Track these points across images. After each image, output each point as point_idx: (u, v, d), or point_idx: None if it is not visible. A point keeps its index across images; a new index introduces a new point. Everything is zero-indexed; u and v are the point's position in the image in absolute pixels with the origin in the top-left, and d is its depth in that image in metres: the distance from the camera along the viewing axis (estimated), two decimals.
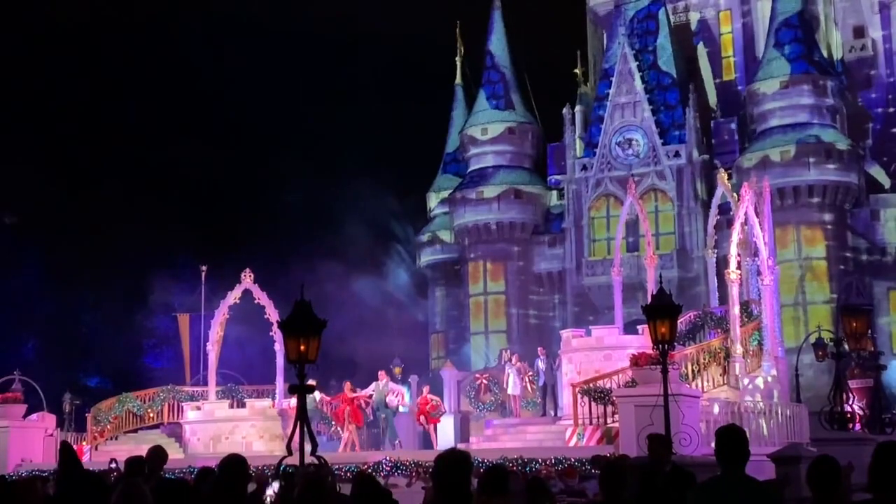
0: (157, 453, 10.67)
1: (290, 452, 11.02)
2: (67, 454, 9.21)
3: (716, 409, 22.43)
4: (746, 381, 26.69)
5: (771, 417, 24.26)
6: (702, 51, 47.82)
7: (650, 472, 7.96)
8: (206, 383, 32.13)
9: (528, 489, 7.38)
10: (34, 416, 28.83)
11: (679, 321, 23.45)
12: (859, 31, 46.71)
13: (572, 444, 23.09)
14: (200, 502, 7.72)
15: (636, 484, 7.64)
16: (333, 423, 28.49)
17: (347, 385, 28.54)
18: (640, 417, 19.03)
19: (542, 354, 31.02)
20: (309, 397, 27.33)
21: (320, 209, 56.20)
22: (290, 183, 58.11)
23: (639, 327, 28.24)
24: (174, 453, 27.30)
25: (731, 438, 6.89)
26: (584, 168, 44.72)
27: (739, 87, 46.41)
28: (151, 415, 31.30)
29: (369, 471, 19.46)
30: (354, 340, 43.22)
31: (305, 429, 10.75)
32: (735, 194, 30.96)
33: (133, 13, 65.49)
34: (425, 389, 30.13)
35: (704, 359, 26.34)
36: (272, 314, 28.85)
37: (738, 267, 28.27)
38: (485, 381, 34.01)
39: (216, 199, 57.96)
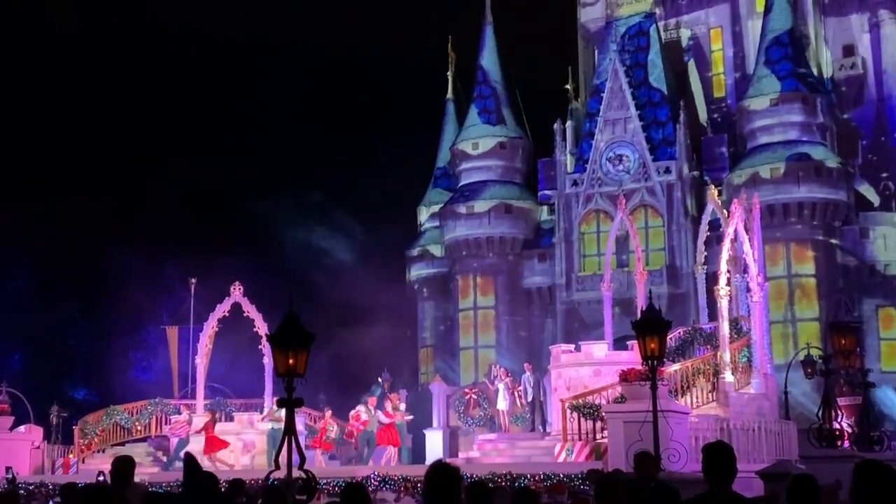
0: (125, 464, 10.61)
1: (277, 466, 10.98)
2: (192, 468, 9.08)
3: (704, 426, 22.42)
4: (735, 397, 26.69)
5: (759, 434, 24.25)
6: (692, 67, 47.94)
7: (636, 487, 7.95)
8: (194, 396, 32.03)
9: (515, 501, 7.35)
10: (21, 428, 28.74)
11: (668, 337, 23.46)
12: (849, 50, 46.90)
13: (561, 459, 23.08)
14: None
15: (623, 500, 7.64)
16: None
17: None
18: (629, 433, 19.04)
19: (529, 370, 30.99)
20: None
21: (311, 222, 56.13)
22: (281, 196, 58.08)
23: (628, 343, 28.26)
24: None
25: (719, 454, 6.87)
26: (575, 183, 44.76)
27: (730, 104, 46.55)
28: (139, 428, 31.17)
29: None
30: (343, 355, 43.12)
31: (294, 443, 10.70)
32: (725, 211, 31.04)
33: (128, 25, 65.51)
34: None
35: (693, 375, 26.37)
36: (261, 327, 28.79)
37: (728, 283, 28.31)
38: (474, 396, 33.95)
39: (206, 212, 57.86)
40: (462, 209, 47.07)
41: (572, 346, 30.07)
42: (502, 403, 30.71)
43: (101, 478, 18.93)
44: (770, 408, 28.40)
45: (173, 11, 63.69)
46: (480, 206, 46.74)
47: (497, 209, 46.72)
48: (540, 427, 29.77)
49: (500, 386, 30.85)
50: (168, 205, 57.03)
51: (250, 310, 29.41)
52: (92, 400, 48.50)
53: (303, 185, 56.51)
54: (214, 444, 27.23)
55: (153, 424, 31.34)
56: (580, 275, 43.95)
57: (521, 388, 31.33)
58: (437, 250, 49.82)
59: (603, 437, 22.22)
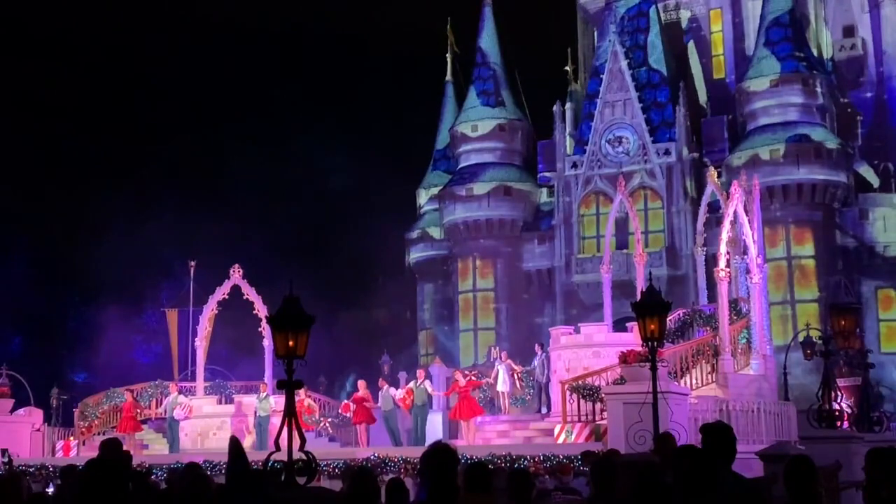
0: (115, 447, 10.63)
1: (277, 448, 11.00)
2: (236, 449, 9.04)
3: (704, 407, 22.45)
4: (734, 378, 26.72)
5: (759, 415, 24.29)
6: (692, 49, 47.83)
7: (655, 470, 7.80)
8: (194, 379, 32.05)
9: (510, 482, 7.36)
10: (21, 410, 28.72)
11: (668, 319, 23.45)
12: (849, 31, 46.80)
13: (560, 440, 23.12)
14: (187, 499, 7.69)
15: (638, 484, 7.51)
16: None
17: (459, 373, 27.97)
18: (629, 415, 19.07)
19: (539, 352, 30.96)
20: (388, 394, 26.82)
21: (310, 205, 56.13)
22: (280, 179, 58.06)
23: (628, 325, 28.28)
24: (162, 449, 27.33)
25: (718, 435, 6.86)
26: (574, 165, 44.72)
27: (729, 86, 46.46)
28: (139, 410, 31.16)
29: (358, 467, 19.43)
30: (343, 337, 43.17)
31: (294, 425, 10.71)
32: (724, 192, 31.00)
33: (130, 10, 65.31)
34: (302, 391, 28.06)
35: (693, 356, 26.39)
36: (261, 310, 28.78)
37: (727, 265, 28.31)
38: (473, 378, 33.92)
39: (206, 194, 57.81)
40: (461, 191, 47.02)
41: (572, 328, 30.09)
42: (502, 385, 30.69)
43: None
44: (769, 389, 28.45)
45: None
46: (480, 188, 46.69)
47: (496, 191, 46.67)
48: (544, 408, 29.80)
49: (500, 368, 30.80)
50: (169, 187, 56.94)
51: (249, 292, 29.40)
52: (92, 382, 48.53)
53: (301, 167, 56.45)
54: (130, 424, 27.25)
55: (153, 407, 31.35)
56: (579, 257, 43.95)
57: (521, 369, 31.31)
58: (436, 233, 49.81)
59: (602, 419, 22.24)
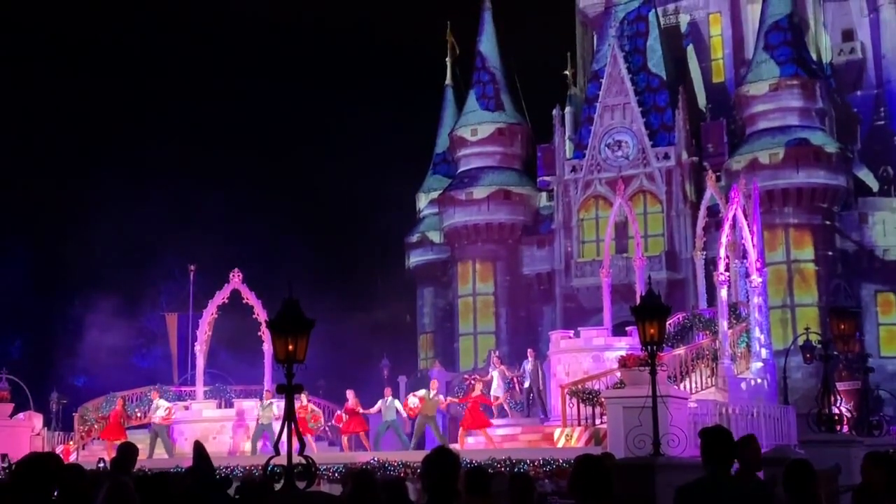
0: (128, 450, 10.65)
1: (277, 452, 11.00)
2: (200, 454, 9.06)
3: (704, 411, 22.45)
4: (734, 382, 26.73)
5: (758, 419, 24.30)
6: (691, 53, 47.90)
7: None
8: (193, 383, 32.04)
9: (511, 486, 7.37)
10: (21, 415, 28.72)
11: (668, 323, 23.47)
12: (848, 35, 46.87)
13: (560, 445, 23.12)
14: (188, 499, 7.72)
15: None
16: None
17: (480, 383, 27.63)
18: (629, 419, 19.05)
19: (531, 356, 30.89)
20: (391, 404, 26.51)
21: (310, 209, 56.13)
22: (279, 183, 58.08)
23: (627, 329, 28.27)
24: (161, 452, 27.31)
25: (717, 439, 6.86)
26: (574, 169, 44.73)
27: (729, 89, 46.50)
28: (139, 414, 31.13)
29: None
30: (343, 341, 43.13)
31: (293, 429, 10.71)
32: (724, 196, 31.06)
33: (130, 8, 65.35)
34: (303, 397, 26.56)
35: (693, 360, 26.39)
36: (260, 314, 28.76)
37: (727, 269, 28.33)
38: (473, 382, 33.92)
39: (205, 199, 57.83)
40: (461, 195, 47.04)
41: (571, 332, 30.07)
42: (496, 390, 30.63)
43: (101, 464, 18.93)
44: (769, 393, 28.46)
45: None
46: (479, 192, 46.71)
47: (496, 195, 46.69)
48: (540, 413, 29.73)
49: (494, 373, 30.70)
50: (168, 190, 56.99)
51: (249, 296, 29.36)
52: (92, 387, 48.53)
53: (300, 171, 56.48)
54: (114, 431, 27.14)
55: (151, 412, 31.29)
56: (579, 261, 43.95)
57: (519, 374, 31.27)
58: (436, 237, 49.83)
59: (602, 423, 22.25)
